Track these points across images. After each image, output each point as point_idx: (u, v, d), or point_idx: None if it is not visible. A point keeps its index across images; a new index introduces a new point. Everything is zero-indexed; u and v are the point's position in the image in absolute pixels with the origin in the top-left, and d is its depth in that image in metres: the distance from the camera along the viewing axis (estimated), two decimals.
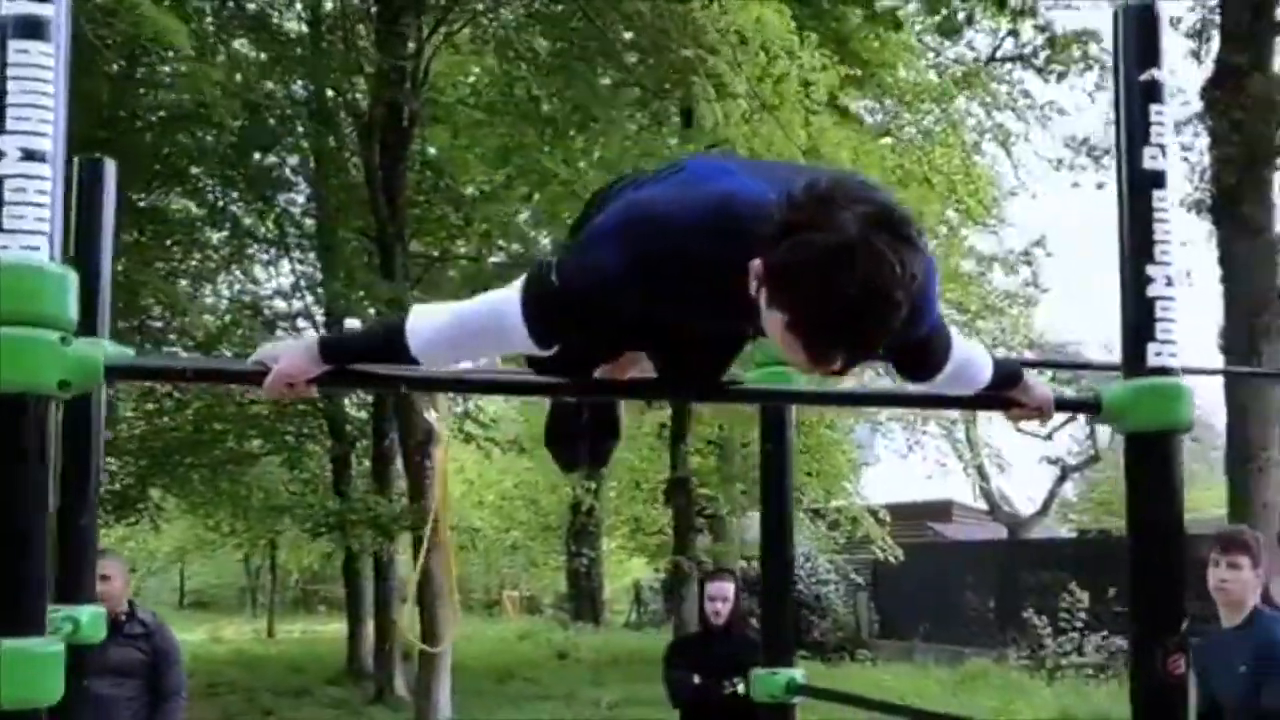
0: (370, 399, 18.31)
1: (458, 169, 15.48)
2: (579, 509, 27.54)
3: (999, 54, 23.27)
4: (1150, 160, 2.71)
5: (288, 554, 31.75)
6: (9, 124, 2.18)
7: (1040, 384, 2.86)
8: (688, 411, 21.06)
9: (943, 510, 29.76)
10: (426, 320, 2.41)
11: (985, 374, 2.74)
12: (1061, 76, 21.93)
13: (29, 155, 2.18)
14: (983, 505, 29.06)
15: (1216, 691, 5.00)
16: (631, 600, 34.16)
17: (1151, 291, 2.68)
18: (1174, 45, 17.00)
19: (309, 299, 19.20)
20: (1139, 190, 2.72)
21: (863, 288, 1.98)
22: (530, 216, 16.35)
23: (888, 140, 18.19)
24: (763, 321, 2.16)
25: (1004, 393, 2.79)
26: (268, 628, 31.61)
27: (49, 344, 2.16)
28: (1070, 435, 28.87)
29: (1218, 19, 15.03)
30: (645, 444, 27.26)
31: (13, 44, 2.19)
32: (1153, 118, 2.73)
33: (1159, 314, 2.68)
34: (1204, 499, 33.35)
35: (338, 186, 16.47)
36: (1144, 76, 2.75)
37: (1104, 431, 27.09)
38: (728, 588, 6.83)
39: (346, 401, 19.88)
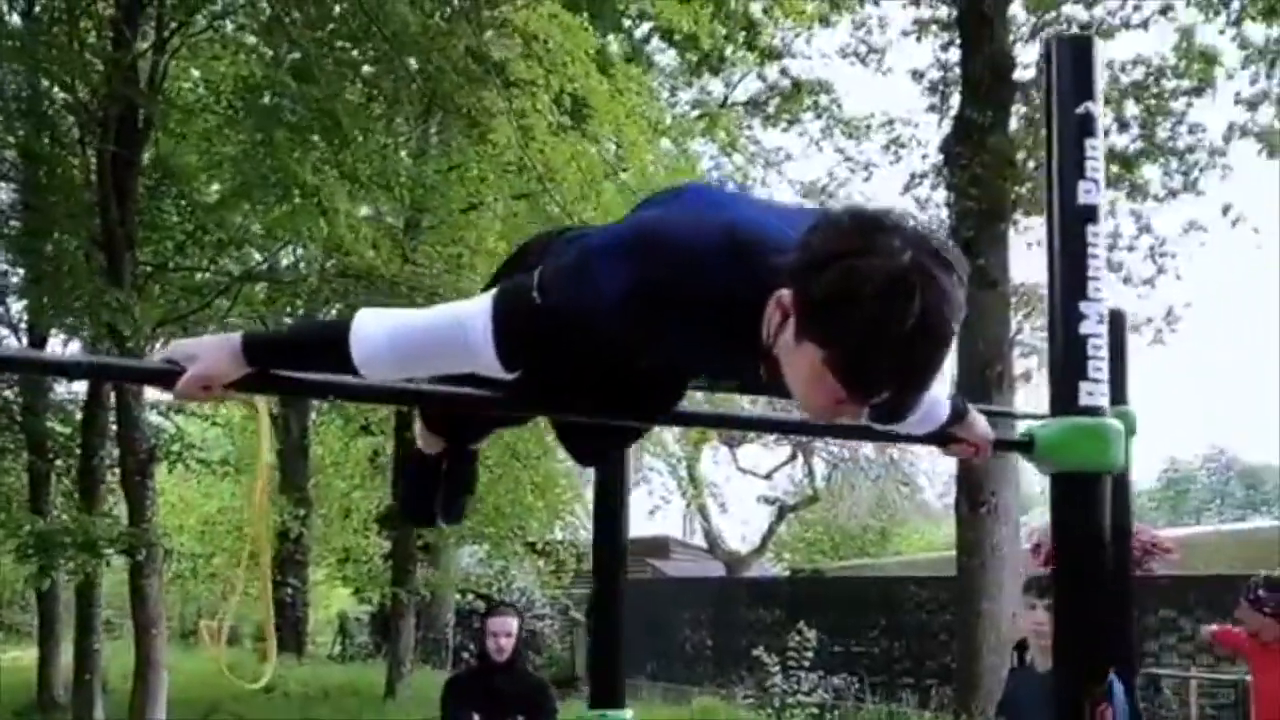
0: (79, 414, 17.40)
1: (191, 175, 14.87)
2: (286, 536, 26.70)
3: (729, 101, 23.76)
4: (1085, 195, 2.67)
5: None
6: None
7: (980, 419, 2.78)
8: (411, 439, 20.69)
9: (661, 547, 29.96)
10: (375, 328, 2.16)
11: (944, 412, 2.64)
12: (791, 124, 22.51)
13: None
14: (700, 542, 29.47)
15: None
16: (336, 632, 33.32)
17: (1084, 329, 2.63)
18: (916, 100, 17.73)
19: (14, 305, 18.14)
20: (1072, 226, 2.67)
21: (921, 319, 1.84)
22: (262, 229, 15.81)
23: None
24: (782, 356, 1.99)
25: (949, 428, 2.71)
26: None
27: None
28: (788, 475, 29.60)
29: (958, 74, 15.66)
30: (357, 471, 26.67)
31: None
32: (1087, 152, 2.68)
33: (1090, 352, 2.63)
34: (914, 543, 34.76)
35: (52, 188, 15.59)
36: (1079, 110, 2.70)
37: (820, 472, 27.87)
38: (511, 623, 6.60)
39: (49, 415, 18.85)
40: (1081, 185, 2.67)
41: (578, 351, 2.19)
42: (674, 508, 27.75)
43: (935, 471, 27.92)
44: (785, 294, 1.95)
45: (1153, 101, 15.69)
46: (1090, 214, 2.68)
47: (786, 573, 29.41)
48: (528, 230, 12.00)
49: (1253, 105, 16.07)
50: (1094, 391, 2.62)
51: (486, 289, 2.44)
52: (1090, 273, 2.66)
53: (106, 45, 13.54)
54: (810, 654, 15.68)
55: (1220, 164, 16.04)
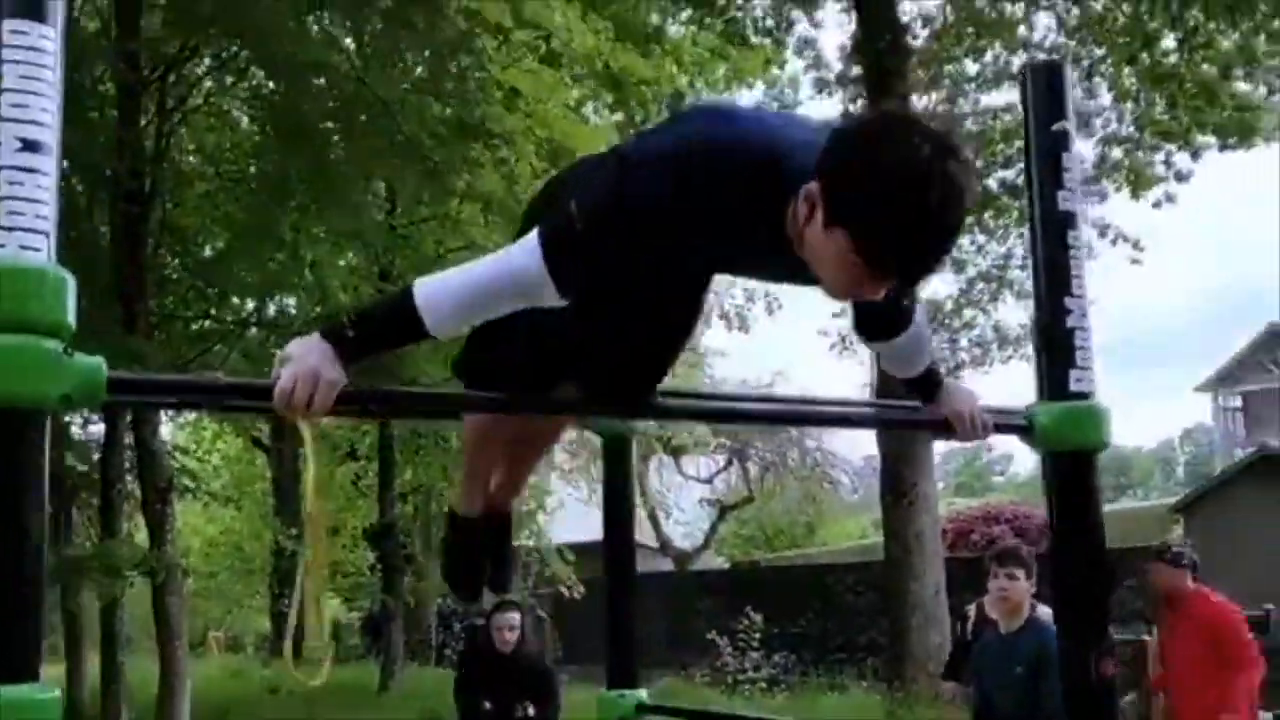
0: (97, 452, 17.17)
1: (192, 235, 14.69)
2: (282, 554, 26.35)
3: None
4: (1064, 202, 2.61)
5: None
6: (5, 110, 1.72)
7: (964, 392, 2.64)
8: (393, 462, 20.55)
9: None
10: (438, 293, 2.07)
11: (923, 362, 2.57)
12: None
13: (28, 146, 1.72)
14: (652, 542, 29.26)
15: (992, 692, 4.98)
16: (330, 637, 32.89)
17: (1070, 322, 2.58)
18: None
19: None
20: (1054, 230, 2.62)
21: (941, 204, 1.85)
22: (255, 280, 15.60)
23: None
24: (810, 246, 1.99)
25: (930, 394, 2.62)
26: None
27: (53, 353, 1.72)
28: (724, 480, 29.46)
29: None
30: (343, 494, 26.42)
31: (8, 24, 1.74)
32: (1064, 164, 2.64)
33: (1078, 343, 2.58)
34: (839, 532, 34.76)
35: (75, 248, 15.34)
36: (1055, 127, 2.65)
37: (754, 474, 27.79)
38: (515, 617, 6.45)
39: (68, 455, 18.56)
40: (1060, 194, 2.62)
41: (625, 262, 2.13)
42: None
43: (852, 469, 27.94)
44: (813, 187, 1.94)
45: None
46: (1069, 219, 2.63)
47: (727, 565, 29.29)
48: None
49: (1120, 142, 16.20)
50: (1082, 378, 2.56)
51: (519, 235, 2.31)
52: (1073, 271, 2.60)
53: (112, 122, 13.34)
54: (758, 635, 15.54)
55: (1096, 190, 16.08)
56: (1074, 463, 2.57)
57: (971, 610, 5.85)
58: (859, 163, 1.87)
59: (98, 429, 17.44)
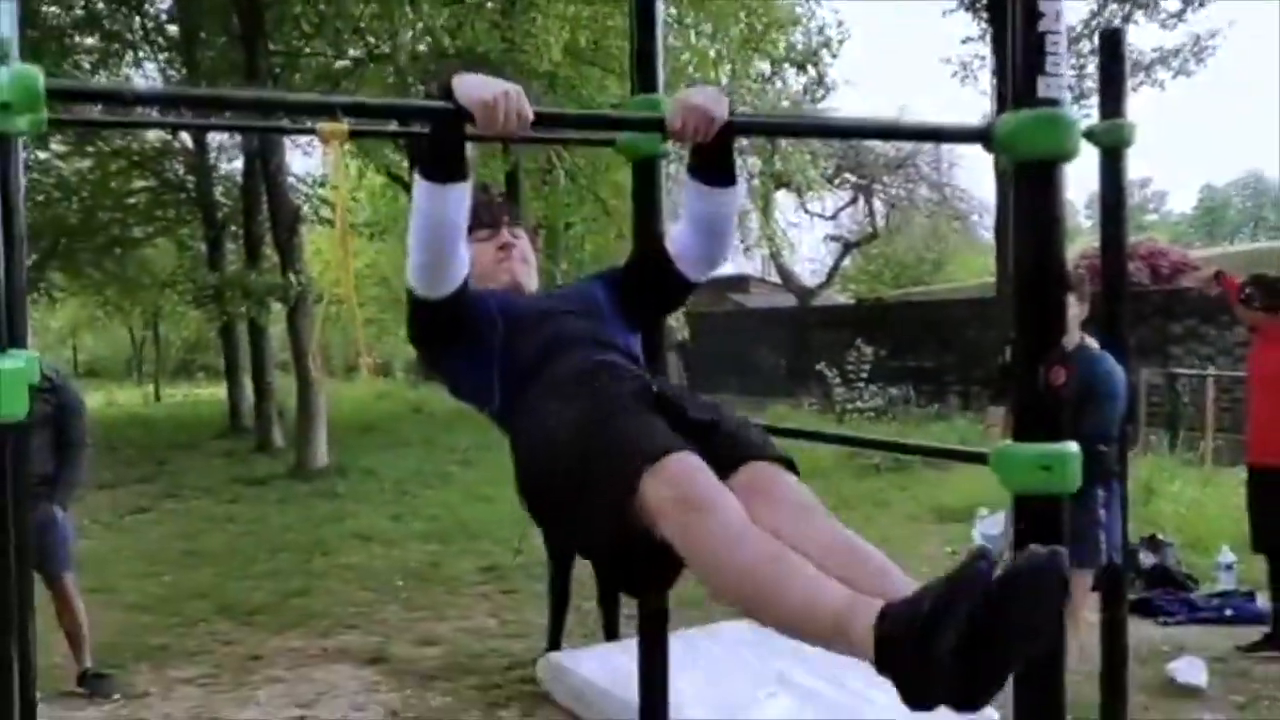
0: (239, 187, 17.76)
1: None
2: None
3: None
4: None
5: (168, 326, 30.88)
6: None
7: (704, 94, 2.30)
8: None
9: (741, 283, 29.92)
10: None
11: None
12: None
13: None
14: (776, 278, 29.22)
15: None
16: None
17: (1042, 26, 2.45)
18: None
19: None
20: None
21: None
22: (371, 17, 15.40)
23: None
24: None
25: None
26: (154, 393, 30.77)
27: None
28: (849, 216, 29.07)
29: None
30: None
31: None
32: None
33: (1049, 48, 2.46)
34: (970, 269, 34.24)
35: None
36: None
37: (880, 211, 27.36)
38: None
39: (218, 190, 19.29)
40: None
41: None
42: (755, 251, 27.37)
43: (987, 206, 27.20)
44: None
45: None
46: None
47: (853, 301, 29.23)
48: None
49: None
50: (1051, 85, 2.45)
51: None
52: None
53: None
54: (867, 368, 15.55)
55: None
56: (1038, 172, 2.50)
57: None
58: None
59: (239, 164, 18.00)
